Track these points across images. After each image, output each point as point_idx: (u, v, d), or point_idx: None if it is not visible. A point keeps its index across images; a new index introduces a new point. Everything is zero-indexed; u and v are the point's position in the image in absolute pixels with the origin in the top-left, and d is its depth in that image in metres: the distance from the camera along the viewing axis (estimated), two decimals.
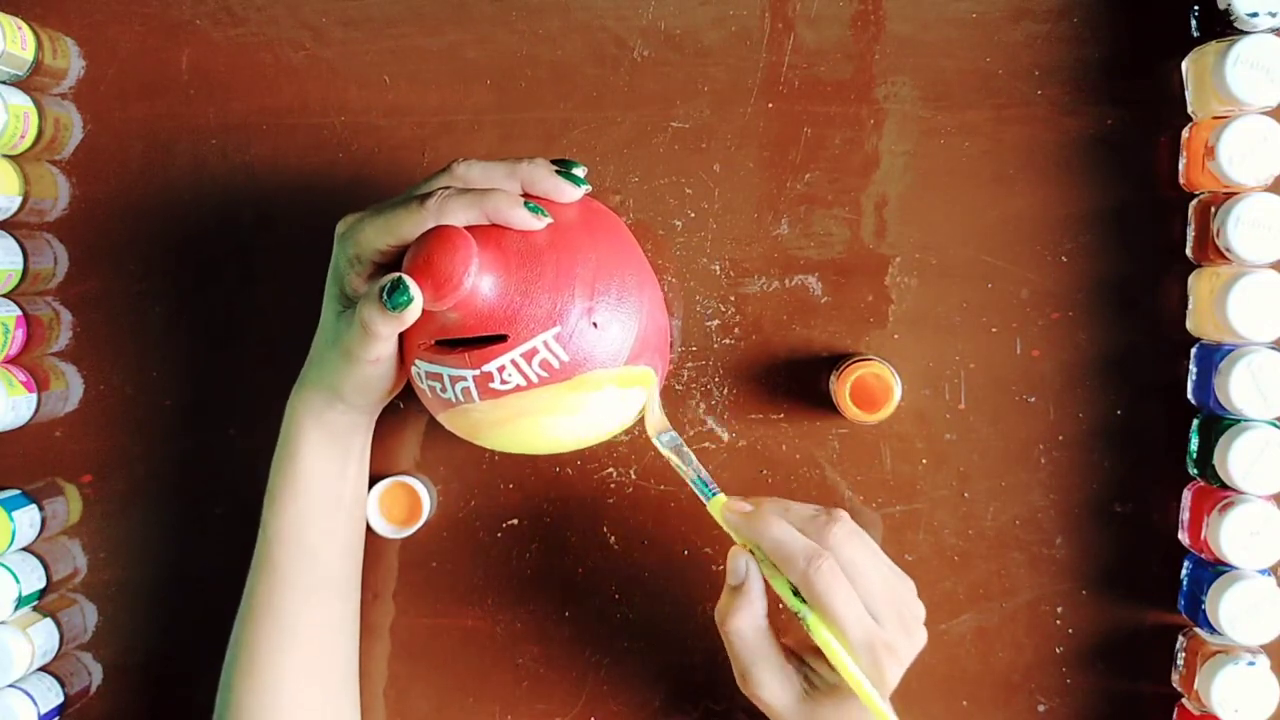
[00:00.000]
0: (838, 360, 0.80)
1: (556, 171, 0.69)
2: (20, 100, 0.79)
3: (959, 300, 0.80)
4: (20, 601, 0.79)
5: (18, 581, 0.79)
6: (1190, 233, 0.78)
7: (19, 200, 0.80)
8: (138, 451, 0.84)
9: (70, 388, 0.83)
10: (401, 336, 0.70)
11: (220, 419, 0.84)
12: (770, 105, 0.81)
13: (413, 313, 0.65)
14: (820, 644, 0.66)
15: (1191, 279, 0.78)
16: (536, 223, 0.67)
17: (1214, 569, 0.76)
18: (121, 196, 0.83)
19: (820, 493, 0.81)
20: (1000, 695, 0.81)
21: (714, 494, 0.71)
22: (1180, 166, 0.78)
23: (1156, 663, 0.80)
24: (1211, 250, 0.75)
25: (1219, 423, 0.75)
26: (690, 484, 0.71)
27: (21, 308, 0.80)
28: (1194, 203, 0.78)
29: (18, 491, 0.83)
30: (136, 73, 0.83)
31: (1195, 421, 0.78)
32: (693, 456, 0.71)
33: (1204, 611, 0.75)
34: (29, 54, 0.79)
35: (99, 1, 0.83)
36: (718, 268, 0.81)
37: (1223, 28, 0.75)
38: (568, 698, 0.83)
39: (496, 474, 0.83)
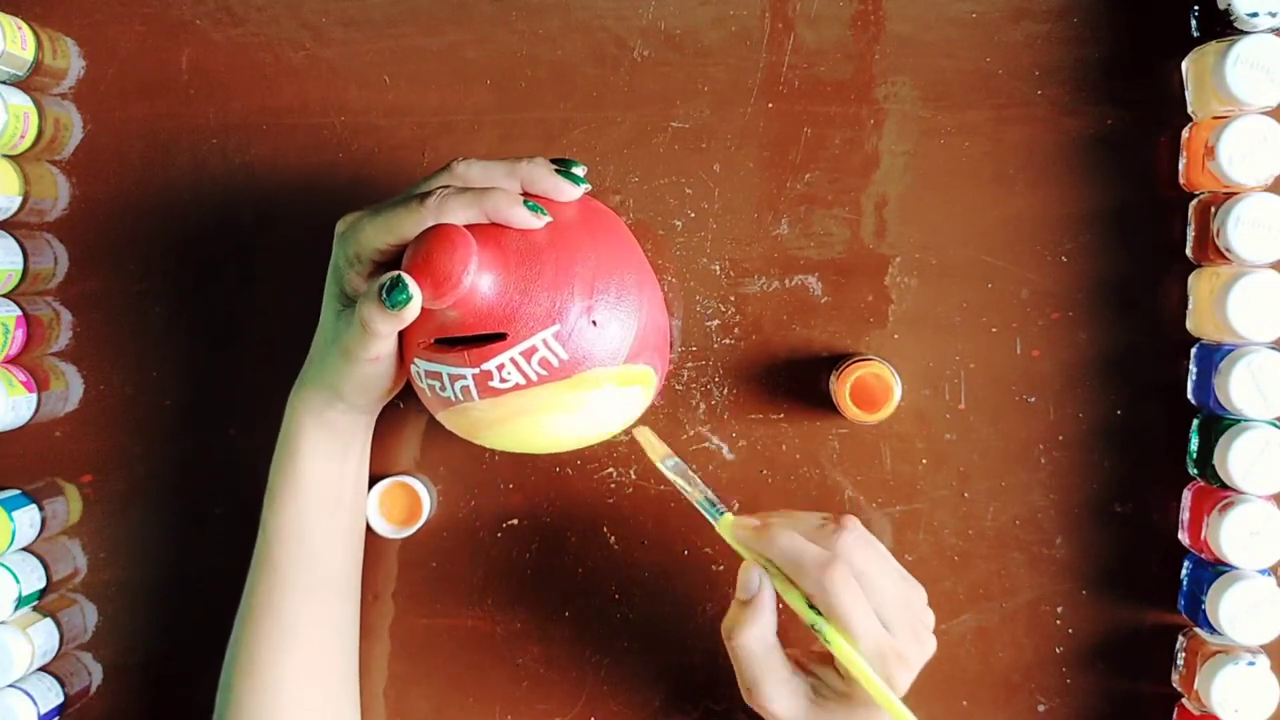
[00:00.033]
0: (838, 360, 0.80)
1: (556, 170, 0.69)
2: (20, 100, 0.79)
3: (959, 300, 0.80)
4: (20, 601, 0.79)
5: (18, 581, 0.79)
6: (1190, 233, 0.78)
7: (19, 200, 0.80)
8: (138, 451, 0.84)
9: (70, 388, 0.83)
10: (401, 335, 0.70)
11: (220, 419, 0.84)
12: (770, 105, 0.81)
13: (412, 311, 0.65)
14: (837, 654, 0.66)
15: (1191, 279, 0.78)
16: (536, 221, 0.67)
17: (1214, 569, 0.76)
18: (121, 196, 0.83)
19: (821, 493, 0.81)
20: (1000, 695, 0.81)
21: (721, 514, 0.71)
22: (1180, 166, 0.78)
23: (1156, 663, 0.80)
24: (1211, 250, 0.75)
25: (1219, 423, 0.75)
26: (698, 506, 0.71)
27: (21, 308, 0.80)
28: (1194, 203, 0.78)
29: (18, 491, 0.83)
30: (136, 73, 0.83)
31: (1195, 421, 0.78)
32: (698, 479, 0.72)
33: (1204, 611, 0.75)
34: (29, 54, 0.79)
35: (99, 1, 0.83)
36: (718, 268, 0.81)
37: (1223, 28, 0.75)
38: (568, 698, 0.83)
39: (496, 474, 0.83)
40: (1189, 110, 0.78)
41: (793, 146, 0.81)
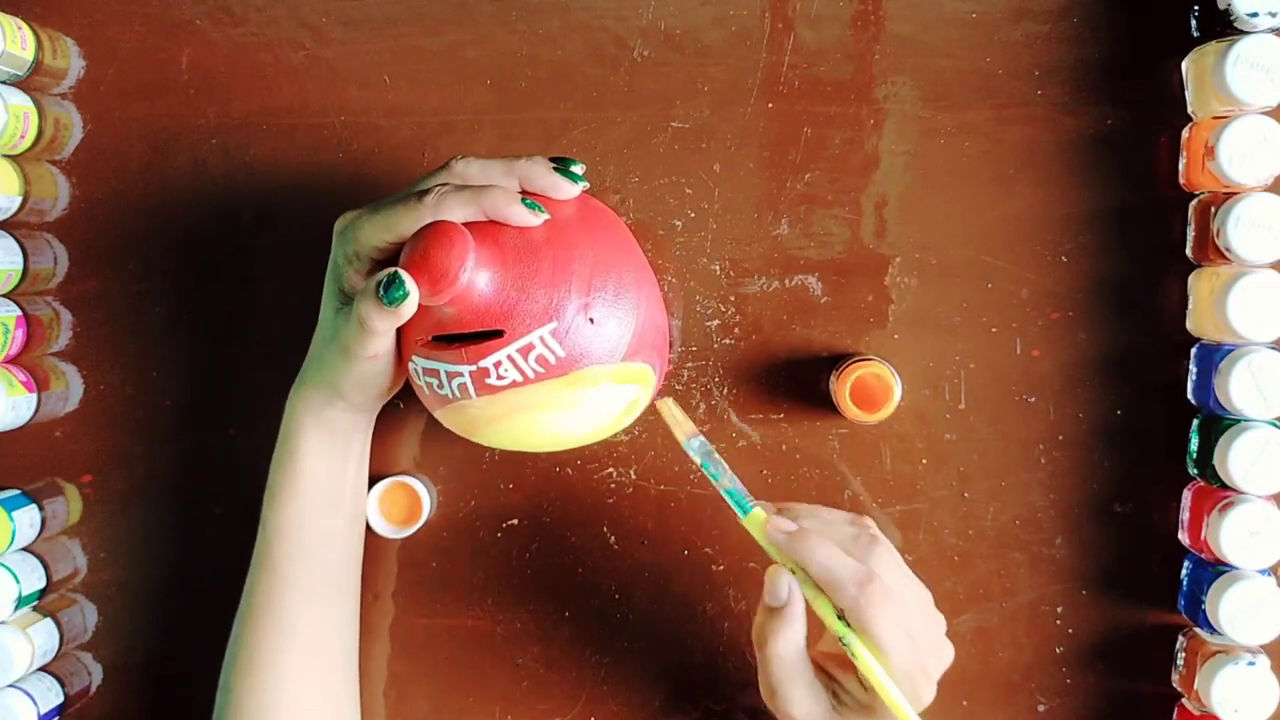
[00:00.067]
0: (838, 360, 0.80)
1: (554, 169, 0.69)
2: (20, 100, 0.79)
3: (959, 300, 0.80)
4: (20, 601, 0.79)
5: (18, 581, 0.79)
6: (1190, 233, 0.78)
7: (19, 200, 0.80)
8: (138, 451, 0.84)
9: (70, 388, 0.83)
10: (399, 333, 0.70)
11: (220, 419, 0.84)
12: (770, 105, 0.81)
13: (409, 308, 0.65)
14: (864, 671, 0.65)
15: (1191, 279, 0.78)
16: (534, 219, 0.67)
17: (1214, 569, 0.76)
18: (121, 196, 0.83)
19: (821, 493, 0.81)
20: (1000, 695, 0.81)
21: (750, 509, 0.69)
22: (1180, 166, 0.78)
23: (1156, 663, 0.80)
24: (1211, 250, 0.75)
25: (1219, 423, 0.75)
26: (723, 494, 0.70)
27: (21, 308, 0.80)
28: (1194, 203, 0.77)
29: (18, 491, 0.83)
30: (136, 73, 0.83)
31: (1195, 421, 0.78)
32: (725, 465, 0.70)
33: (1204, 611, 0.75)
34: (29, 54, 0.79)
35: (99, 1, 0.83)
36: (718, 268, 0.81)
37: (1223, 28, 0.75)
38: (568, 698, 0.83)
39: (496, 474, 0.83)
40: (1189, 110, 0.78)
41: (793, 146, 0.81)
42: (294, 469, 0.74)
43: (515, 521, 0.83)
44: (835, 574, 0.66)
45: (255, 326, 0.83)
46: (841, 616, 0.66)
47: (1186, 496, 0.78)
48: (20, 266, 0.80)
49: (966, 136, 0.80)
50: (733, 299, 0.81)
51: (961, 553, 0.81)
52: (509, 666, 0.83)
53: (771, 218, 0.81)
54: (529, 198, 0.68)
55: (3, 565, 0.79)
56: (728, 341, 0.81)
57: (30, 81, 0.81)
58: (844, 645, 0.65)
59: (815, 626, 0.67)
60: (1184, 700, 0.78)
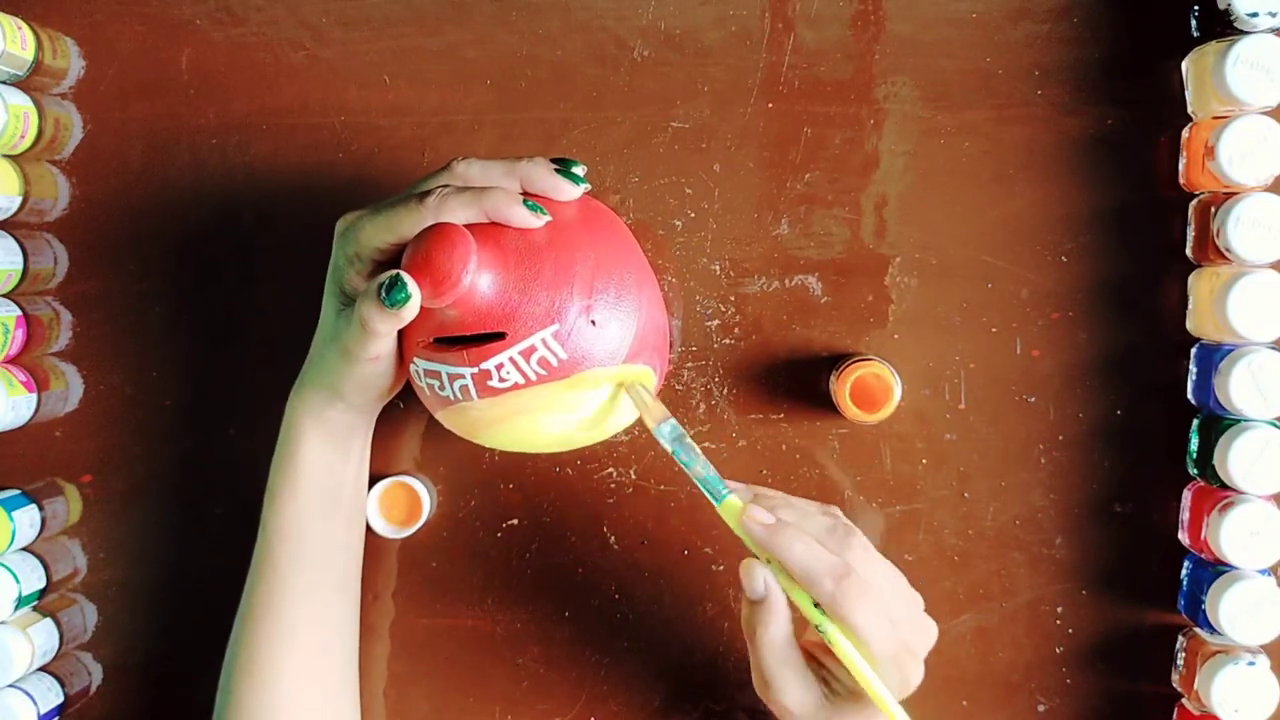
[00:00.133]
0: (838, 360, 0.80)
1: (556, 170, 0.69)
2: (20, 100, 0.79)
3: (959, 300, 0.80)
4: (20, 601, 0.79)
5: (18, 581, 0.79)
6: (1190, 233, 0.78)
7: (19, 200, 0.80)
8: (138, 451, 0.84)
9: (70, 388, 0.83)
10: (400, 334, 0.70)
11: (220, 419, 0.84)
12: (770, 105, 0.81)
13: (411, 310, 0.65)
14: (842, 657, 0.65)
15: (1191, 279, 0.78)
16: (535, 220, 0.67)
17: (1214, 569, 0.76)
18: (121, 196, 0.83)
19: (821, 493, 0.81)
20: (1000, 695, 0.81)
21: (725, 495, 0.68)
22: (1180, 166, 0.78)
23: (1156, 663, 0.80)
24: (1211, 250, 0.75)
25: (1219, 423, 0.75)
26: (697, 482, 0.69)
27: (21, 308, 0.80)
28: (1194, 203, 0.78)
29: (18, 491, 0.83)
30: (136, 73, 0.83)
31: (1195, 421, 0.78)
32: (699, 451, 0.69)
33: (1204, 611, 0.75)
34: (29, 54, 0.79)
35: (99, 1, 0.83)
36: (718, 268, 0.81)
37: (1223, 28, 0.75)
38: (568, 698, 0.83)
39: (496, 474, 0.83)
40: (1189, 110, 0.78)
41: (793, 146, 0.81)
42: (294, 470, 0.74)
43: (515, 521, 0.83)
44: (812, 568, 0.66)
45: (255, 326, 0.83)
46: (818, 605, 0.66)
47: (1186, 496, 0.78)
48: (20, 266, 0.80)
49: (966, 136, 0.80)
50: (733, 299, 0.81)
51: (961, 553, 0.81)
52: (509, 666, 0.83)
53: (771, 218, 0.81)
54: (530, 199, 0.68)
55: (3, 565, 0.79)
56: (728, 341, 0.81)
57: (30, 81, 0.81)
58: (821, 633, 0.66)
59: (809, 627, 0.68)
60: (1184, 700, 0.79)
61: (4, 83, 0.79)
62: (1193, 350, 0.78)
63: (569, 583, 0.83)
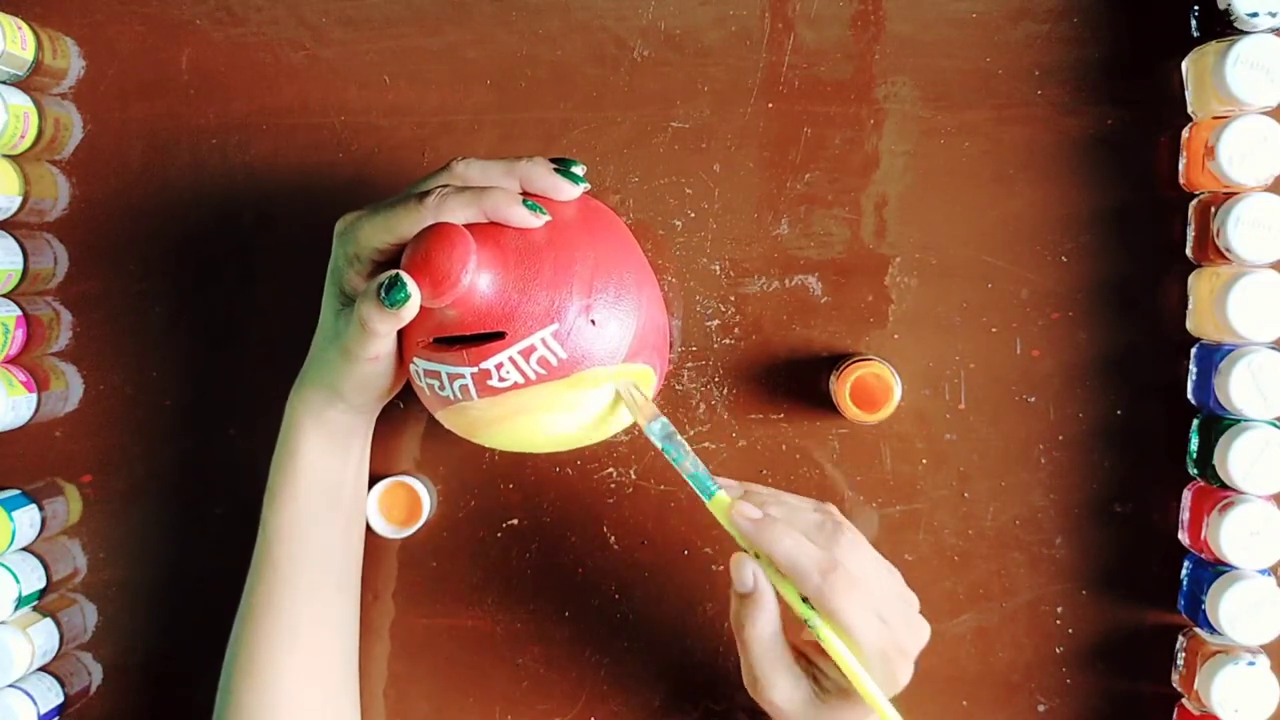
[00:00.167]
0: (838, 360, 0.80)
1: (555, 169, 0.69)
2: (20, 100, 0.79)
3: (959, 300, 0.80)
4: (20, 601, 0.79)
5: (18, 581, 0.79)
6: (1190, 233, 0.78)
7: (19, 200, 0.80)
8: (138, 451, 0.84)
9: (70, 388, 0.83)
10: (400, 334, 0.70)
11: (220, 419, 0.84)
12: (770, 105, 0.81)
13: (410, 310, 0.65)
14: (830, 652, 0.66)
15: (1191, 279, 0.78)
16: (535, 220, 0.67)
17: (1214, 569, 0.76)
18: (121, 196, 0.83)
19: (821, 493, 0.81)
20: (1000, 695, 0.81)
21: (714, 491, 0.69)
22: (1180, 166, 0.78)
23: (1156, 663, 0.80)
24: (1211, 250, 0.75)
25: (1219, 423, 0.75)
26: (686, 478, 0.69)
27: (21, 308, 0.80)
28: (1194, 203, 0.77)
29: (18, 491, 0.83)
30: (136, 73, 0.83)
31: (1195, 421, 0.78)
32: (688, 448, 0.70)
33: (1204, 611, 0.75)
34: (29, 54, 0.79)
35: (99, 1, 0.83)
36: (718, 268, 0.81)
37: (1223, 28, 0.75)
38: (568, 698, 0.83)
39: (496, 474, 0.83)
40: (1189, 110, 0.78)
41: (793, 146, 0.81)
42: (294, 470, 0.74)
43: (515, 521, 0.83)
44: (799, 563, 0.66)
45: (255, 326, 0.83)
46: (807, 600, 0.66)
47: (1186, 496, 0.78)
48: (20, 266, 0.80)
49: (966, 136, 0.80)
50: (733, 299, 0.81)
51: (961, 553, 0.81)
52: (509, 666, 0.83)
53: (771, 218, 0.81)
54: (530, 199, 0.68)
55: (3, 565, 0.79)
56: (728, 341, 0.81)
57: (30, 81, 0.81)
58: (810, 628, 0.66)
59: (800, 626, 0.68)
60: (1184, 700, 0.79)
61: (4, 83, 0.79)
62: (1193, 350, 0.78)
63: (569, 583, 0.83)
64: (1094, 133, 0.80)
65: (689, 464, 0.69)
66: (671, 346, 0.81)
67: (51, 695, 0.81)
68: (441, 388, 0.68)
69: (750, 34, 0.81)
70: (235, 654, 0.75)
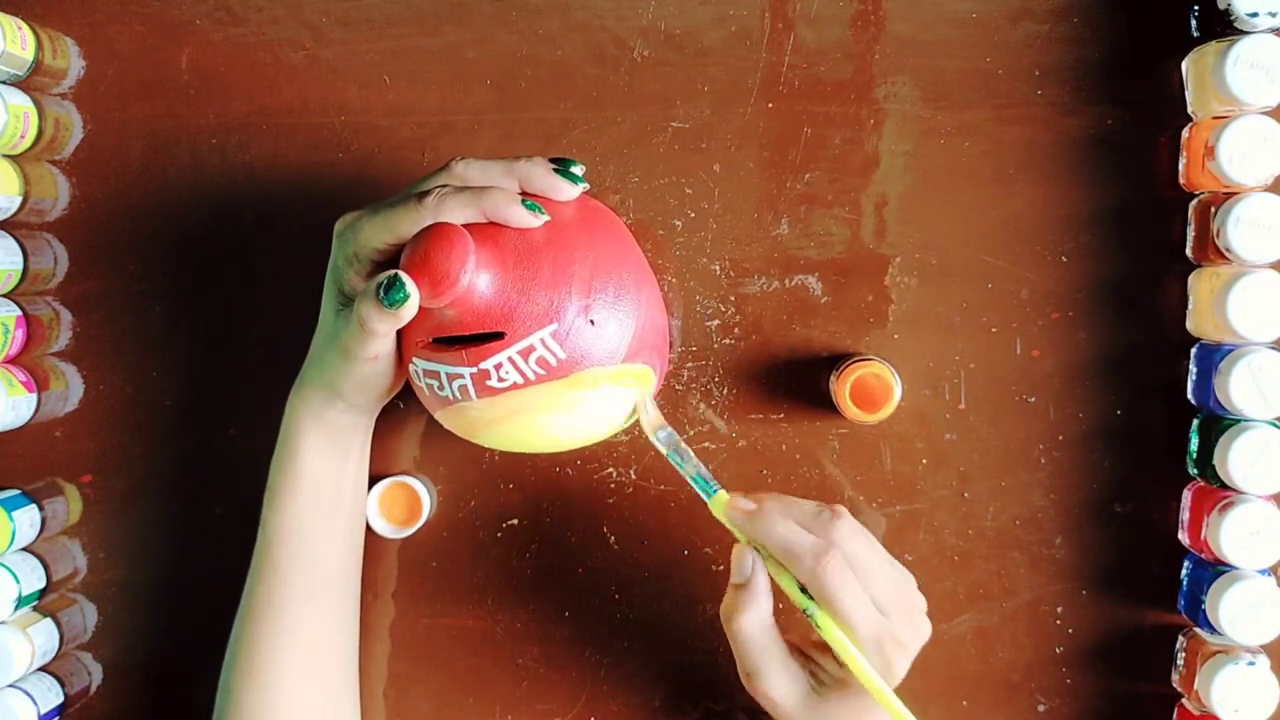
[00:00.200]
0: (838, 360, 0.80)
1: (554, 170, 0.69)
2: (20, 100, 0.79)
3: (959, 300, 0.80)
4: (20, 601, 0.79)
5: (18, 581, 0.79)
6: (1190, 233, 0.78)
7: (19, 200, 0.80)
8: (138, 451, 0.84)
9: (70, 388, 0.83)
10: (400, 334, 0.70)
11: (220, 419, 0.84)
12: (770, 105, 0.81)
13: (409, 310, 0.65)
14: (829, 640, 0.66)
15: (1191, 279, 0.78)
16: (534, 220, 0.67)
17: (1214, 569, 0.76)
18: (121, 196, 0.83)
19: (821, 493, 0.81)
20: (1000, 695, 0.81)
21: (715, 491, 0.70)
22: (1180, 166, 0.78)
23: (1156, 663, 0.80)
24: (1211, 250, 0.75)
25: (1219, 423, 0.75)
26: (690, 481, 0.70)
27: (21, 308, 0.80)
28: (1194, 203, 0.77)
29: (18, 491, 0.83)
30: (136, 73, 0.83)
31: (1195, 421, 0.78)
32: (691, 454, 0.71)
33: (1204, 611, 0.75)
34: (29, 54, 0.79)
35: (99, 1, 0.83)
36: (718, 268, 0.81)
37: (1223, 28, 0.75)
38: (568, 698, 0.83)
39: (496, 474, 0.83)
40: (1189, 110, 0.77)
41: (793, 146, 0.81)
42: (294, 470, 0.74)
43: (515, 521, 0.83)
44: (793, 547, 0.67)
45: (255, 326, 0.83)
46: (805, 590, 0.66)
47: (1186, 496, 0.78)
48: (20, 266, 0.80)
49: (966, 136, 0.80)
50: (733, 299, 0.81)
51: (961, 553, 0.81)
52: (509, 666, 0.83)
53: (771, 218, 0.81)
54: (529, 199, 0.68)
55: (3, 565, 0.79)
56: (728, 341, 0.81)
57: (30, 81, 0.81)
58: (808, 618, 0.66)
59: (798, 624, 0.68)
60: (1184, 700, 0.79)
61: (4, 83, 0.79)
62: (1193, 350, 0.78)
63: (569, 583, 0.83)
64: (1094, 133, 0.79)
65: (690, 467, 0.71)
66: (671, 346, 0.81)
67: (51, 695, 0.81)
68: (441, 388, 0.68)
69: (750, 34, 0.81)
70: (235, 654, 0.75)
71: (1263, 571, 0.75)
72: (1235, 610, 0.74)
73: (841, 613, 0.66)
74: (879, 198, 0.81)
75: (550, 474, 0.82)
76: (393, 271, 0.64)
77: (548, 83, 0.82)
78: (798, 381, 0.81)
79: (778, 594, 0.69)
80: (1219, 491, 0.76)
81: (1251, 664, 0.74)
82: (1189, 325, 0.78)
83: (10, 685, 0.79)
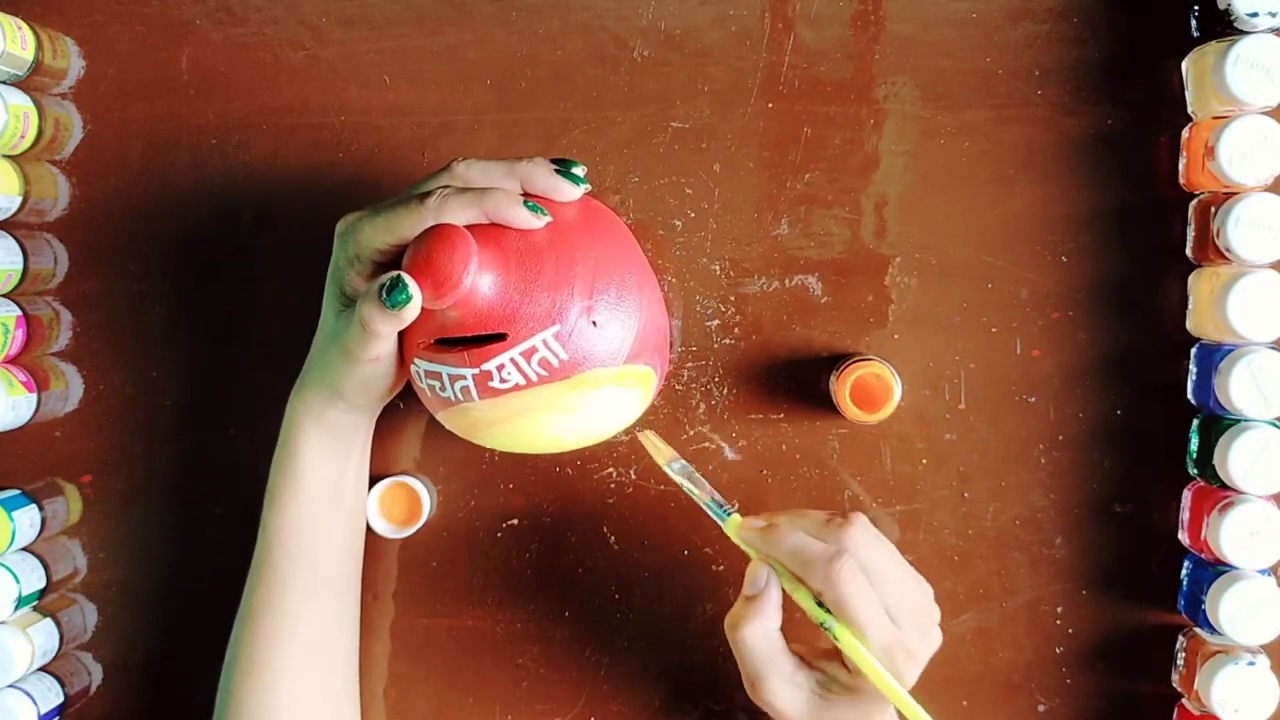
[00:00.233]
0: (838, 360, 0.80)
1: (556, 170, 0.69)
2: (20, 100, 0.79)
3: (959, 300, 0.80)
4: (20, 601, 0.79)
5: (18, 581, 0.79)
6: (1190, 233, 0.78)
7: (19, 200, 0.80)
8: (138, 451, 0.84)
9: (70, 388, 0.83)
10: (401, 335, 0.70)
11: (220, 419, 0.84)
12: (770, 105, 0.81)
13: (411, 311, 0.65)
14: (847, 650, 0.66)
15: (1191, 279, 0.78)
16: (536, 221, 0.67)
17: (1214, 569, 0.76)
18: (121, 196, 0.83)
19: (821, 493, 0.81)
20: (1000, 695, 0.81)
21: (729, 515, 0.71)
22: (1180, 166, 0.78)
23: (1156, 663, 0.80)
24: (1211, 250, 0.75)
25: (1219, 423, 0.75)
26: (704, 508, 0.71)
27: (21, 308, 0.80)
28: (1194, 203, 0.78)
29: (18, 491, 0.83)
30: (136, 73, 0.83)
31: (1195, 421, 0.78)
32: (705, 481, 0.72)
33: (1204, 611, 0.75)
34: (29, 54, 0.79)
35: (99, 1, 0.83)
36: (718, 268, 0.81)
37: (1223, 28, 0.75)
38: (568, 698, 0.83)
39: (496, 474, 0.83)
40: (1189, 110, 0.78)
41: (793, 146, 0.81)
42: (294, 470, 0.74)
43: (515, 521, 0.83)
44: (804, 554, 0.67)
45: (255, 326, 0.83)
46: (822, 604, 0.66)
47: (1186, 496, 0.78)
48: (20, 266, 0.80)
49: (966, 136, 0.80)
50: (733, 299, 0.81)
51: (961, 553, 0.81)
52: (509, 666, 0.83)
53: (771, 218, 0.81)
54: (531, 200, 0.68)
55: (3, 565, 0.79)
56: (728, 341, 0.81)
57: (30, 81, 0.81)
58: (825, 630, 0.66)
59: (813, 632, 0.68)
60: (1184, 700, 0.79)
61: (4, 83, 0.79)
62: (1193, 350, 0.78)
63: (569, 583, 0.83)
64: (1094, 133, 0.80)
65: (704, 494, 0.72)
66: (671, 347, 0.81)
67: (51, 695, 0.81)
68: (443, 389, 0.68)
69: (750, 34, 0.81)
70: (235, 654, 0.75)
71: (1263, 571, 0.75)
72: (1235, 610, 0.74)
73: (854, 618, 0.65)
74: (879, 198, 0.81)
75: (550, 474, 0.82)
76: (395, 273, 0.64)
77: (548, 83, 0.82)
78: (798, 381, 0.81)
79: (789, 605, 0.69)
80: (1219, 491, 0.76)
81: (1251, 664, 0.74)
82: (1189, 325, 0.78)
83: (10, 685, 0.79)
